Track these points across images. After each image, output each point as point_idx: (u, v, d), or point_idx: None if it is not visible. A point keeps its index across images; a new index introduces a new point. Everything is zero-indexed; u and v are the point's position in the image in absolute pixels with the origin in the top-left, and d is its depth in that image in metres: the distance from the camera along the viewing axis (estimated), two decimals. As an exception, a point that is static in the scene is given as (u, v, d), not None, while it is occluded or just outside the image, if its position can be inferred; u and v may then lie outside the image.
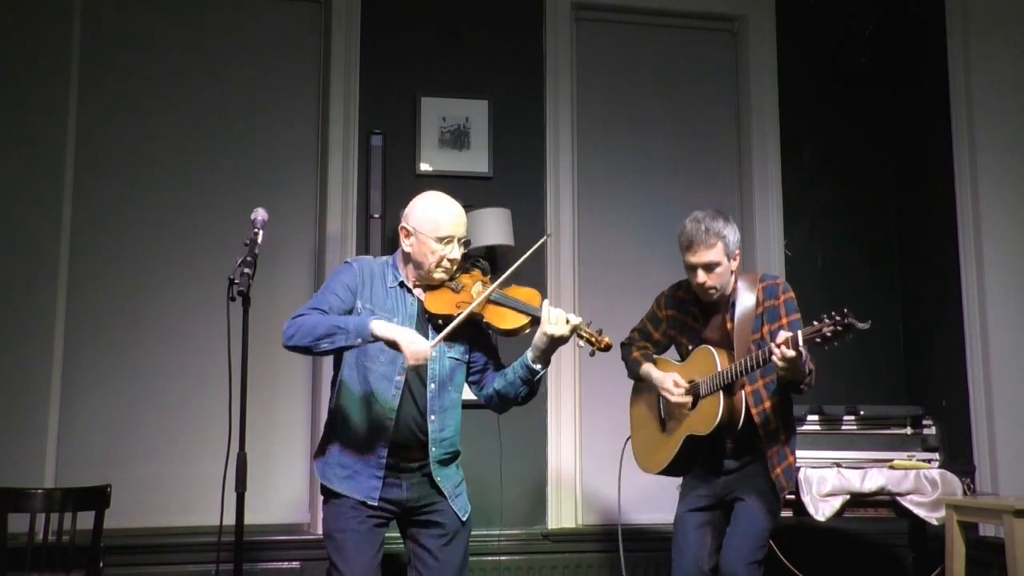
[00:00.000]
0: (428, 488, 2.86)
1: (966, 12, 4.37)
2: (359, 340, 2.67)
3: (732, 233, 3.08)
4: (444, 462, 2.88)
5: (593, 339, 2.78)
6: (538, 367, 2.79)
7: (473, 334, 2.90)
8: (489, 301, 2.80)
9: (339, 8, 4.39)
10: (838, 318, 2.69)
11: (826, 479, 3.65)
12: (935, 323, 4.58)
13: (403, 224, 2.88)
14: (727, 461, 3.12)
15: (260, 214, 2.86)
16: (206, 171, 4.33)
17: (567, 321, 2.72)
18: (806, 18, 4.87)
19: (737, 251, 3.11)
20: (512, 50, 4.58)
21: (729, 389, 3.01)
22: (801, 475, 3.65)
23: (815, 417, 3.93)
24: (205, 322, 4.09)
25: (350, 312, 2.81)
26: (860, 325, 2.68)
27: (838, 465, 3.75)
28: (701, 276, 3.05)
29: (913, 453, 3.86)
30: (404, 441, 2.80)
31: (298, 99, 4.46)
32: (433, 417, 2.83)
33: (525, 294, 2.85)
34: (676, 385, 3.14)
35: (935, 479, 3.68)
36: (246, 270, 2.68)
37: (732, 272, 3.12)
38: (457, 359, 2.90)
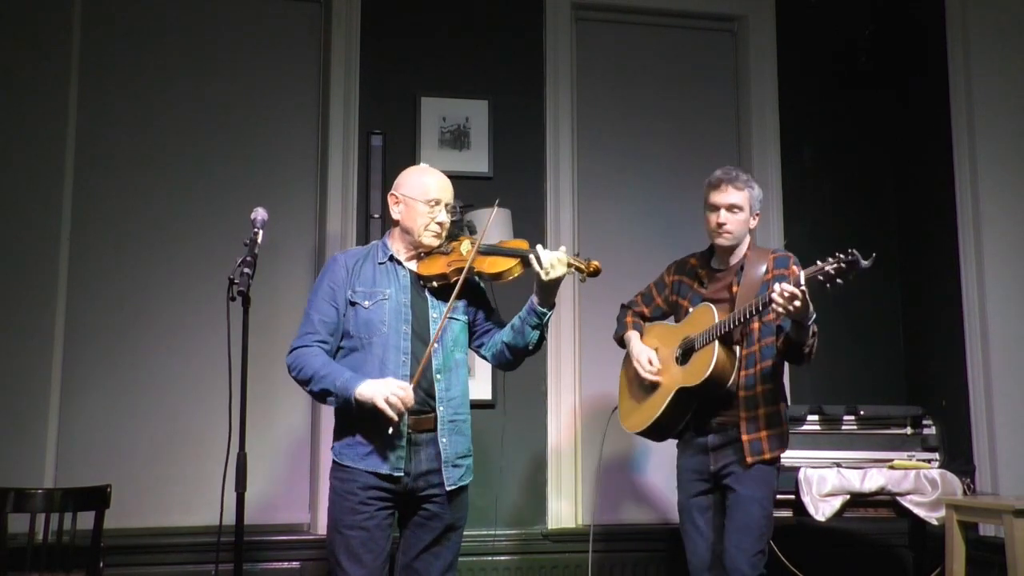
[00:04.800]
0: (437, 464, 2.84)
1: (966, 12, 4.37)
2: (345, 404, 2.75)
3: (758, 191, 3.20)
4: (455, 424, 2.87)
5: (581, 266, 2.82)
6: (545, 309, 2.84)
7: (470, 293, 2.96)
8: (478, 254, 2.86)
9: (339, 8, 4.39)
10: (841, 255, 2.69)
11: (826, 479, 3.65)
12: (935, 323, 4.58)
13: (392, 192, 2.95)
14: (712, 436, 3.13)
15: (260, 214, 2.87)
16: (206, 171, 4.33)
17: (560, 260, 2.77)
18: (806, 18, 4.87)
19: (758, 211, 3.19)
20: (512, 50, 4.59)
21: (724, 340, 3.02)
22: (801, 475, 3.65)
23: (815, 417, 3.93)
24: (205, 322, 4.09)
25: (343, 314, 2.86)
26: (864, 262, 2.66)
27: (838, 465, 3.75)
28: (723, 216, 3.12)
29: (913, 453, 3.86)
30: (416, 408, 2.80)
31: (298, 99, 4.46)
32: (439, 377, 2.85)
33: (513, 242, 2.97)
34: (650, 362, 3.20)
35: (935, 479, 3.68)
36: (246, 270, 2.68)
37: (750, 230, 3.17)
38: (458, 319, 2.94)
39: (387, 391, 2.66)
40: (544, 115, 4.56)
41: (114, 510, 3.61)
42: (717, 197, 3.14)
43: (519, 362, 2.99)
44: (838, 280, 2.71)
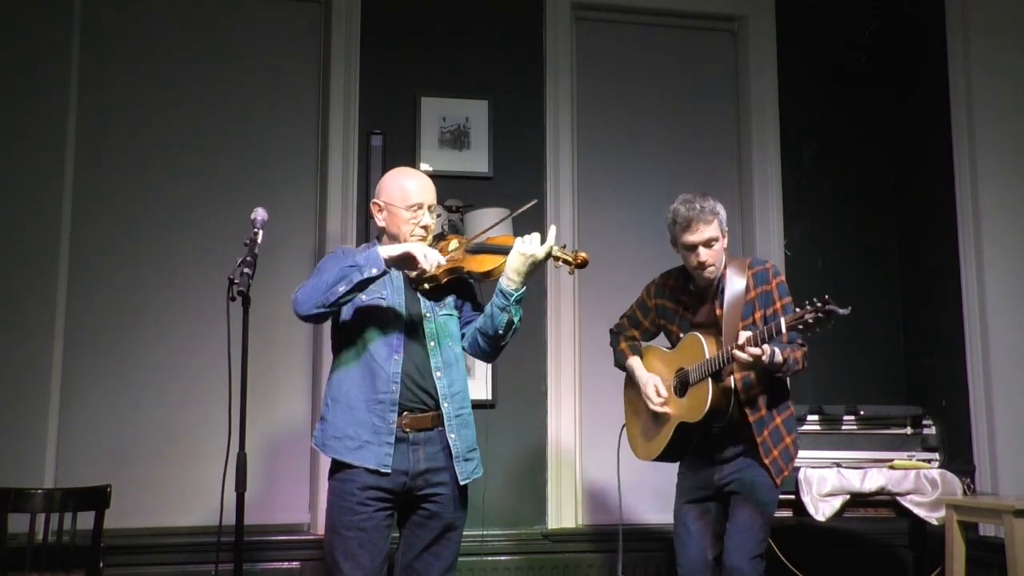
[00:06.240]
0: (441, 461, 2.85)
1: (965, 12, 4.37)
2: (374, 270, 2.70)
3: (722, 210, 3.12)
4: (461, 418, 2.89)
5: (569, 258, 2.82)
6: (511, 289, 2.80)
7: (458, 288, 2.98)
8: (467, 252, 2.88)
9: (339, 8, 4.39)
10: (819, 304, 2.71)
11: (826, 479, 3.65)
12: (935, 323, 4.58)
13: (374, 200, 2.95)
14: (720, 450, 3.12)
15: (260, 214, 2.86)
16: (206, 171, 4.33)
17: (541, 243, 2.79)
18: (806, 18, 4.87)
19: (727, 228, 3.14)
20: (512, 50, 4.59)
21: (717, 376, 3.01)
22: (801, 475, 3.65)
23: (815, 417, 3.93)
24: (205, 322, 4.09)
25: None
26: (841, 311, 2.69)
27: (838, 465, 3.75)
28: (703, 254, 3.06)
29: (913, 453, 3.86)
30: (412, 405, 2.82)
31: (298, 99, 4.46)
32: (439, 374, 2.85)
33: (500, 238, 2.95)
34: (657, 393, 3.18)
35: (935, 479, 3.68)
36: (246, 270, 2.67)
37: (724, 250, 3.14)
38: (451, 314, 2.95)
39: (414, 247, 2.73)
40: (544, 115, 4.56)
41: (114, 510, 3.61)
42: (691, 237, 3.05)
43: (494, 350, 2.95)
44: (818, 329, 2.73)
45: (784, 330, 2.79)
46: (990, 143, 4.28)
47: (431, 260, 2.72)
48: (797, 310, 2.78)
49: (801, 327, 2.75)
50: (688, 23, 4.85)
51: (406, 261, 2.73)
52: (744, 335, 2.85)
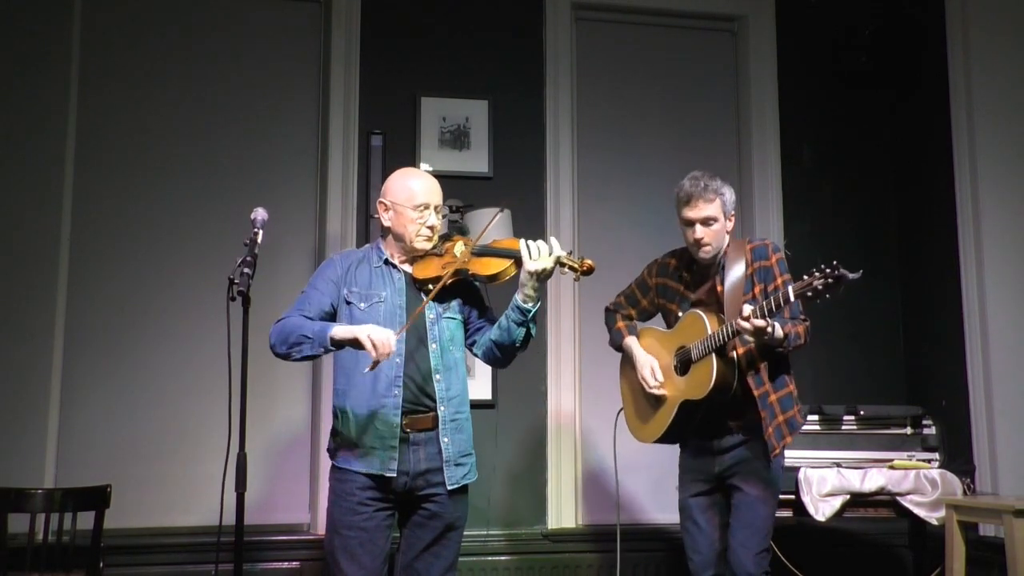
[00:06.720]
0: (440, 462, 2.85)
1: (966, 12, 4.37)
2: (322, 349, 2.76)
3: (729, 193, 3.13)
4: (456, 423, 2.88)
5: (576, 265, 2.83)
6: (529, 306, 2.83)
7: (464, 292, 2.98)
8: (472, 255, 2.88)
9: (339, 8, 4.40)
10: (828, 270, 2.69)
11: (826, 479, 3.65)
12: (935, 323, 4.58)
13: (380, 199, 2.97)
14: (721, 440, 3.12)
15: (260, 214, 2.87)
16: (206, 171, 4.33)
17: (549, 254, 2.80)
18: (806, 18, 4.87)
19: (733, 212, 3.14)
20: (512, 50, 4.59)
21: (721, 352, 3.00)
22: (801, 475, 3.66)
23: (815, 417, 3.93)
24: (205, 322, 4.09)
25: (334, 311, 2.89)
26: (851, 276, 2.67)
27: (838, 465, 3.76)
28: (699, 231, 3.07)
29: (913, 453, 3.86)
30: (414, 408, 2.82)
31: (298, 99, 4.46)
32: (439, 377, 2.86)
33: (506, 241, 2.97)
34: (653, 375, 3.17)
35: (935, 479, 3.69)
36: (246, 270, 2.68)
37: (728, 233, 3.14)
38: (455, 318, 2.96)
39: (369, 328, 2.69)
40: (544, 115, 4.56)
41: (114, 510, 3.61)
42: (690, 212, 3.08)
43: (509, 360, 2.99)
44: (827, 295, 2.71)
45: (792, 298, 2.77)
46: (990, 143, 4.28)
47: (381, 350, 2.64)
48: (805, 277, 2.75)
49: (810, 294, 2.73)
50: (688, 23, 4.85)
51: (357, 345, 2.71)
52: (748, 307, 2.82)
